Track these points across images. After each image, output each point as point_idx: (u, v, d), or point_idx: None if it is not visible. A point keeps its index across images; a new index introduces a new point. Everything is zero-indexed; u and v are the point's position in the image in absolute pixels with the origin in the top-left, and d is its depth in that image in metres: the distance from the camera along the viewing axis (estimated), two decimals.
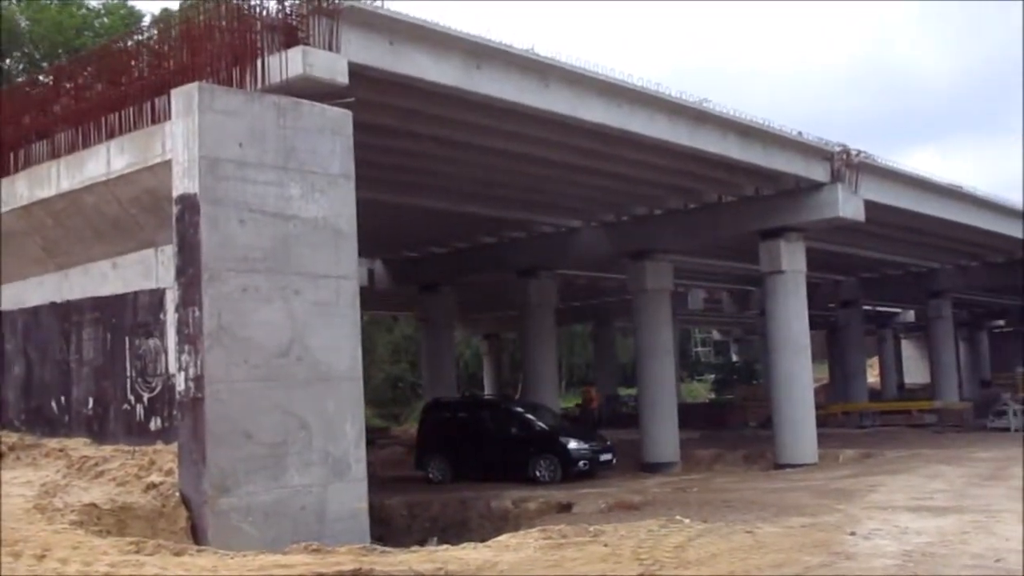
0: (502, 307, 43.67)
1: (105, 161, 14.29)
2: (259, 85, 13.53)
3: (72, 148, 15.32)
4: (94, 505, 11.68)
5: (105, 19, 31.43)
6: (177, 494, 12.17)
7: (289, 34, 13.77)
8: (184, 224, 12.52)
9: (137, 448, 13.49)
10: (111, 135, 14.60)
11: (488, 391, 54.75)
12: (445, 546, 11.83)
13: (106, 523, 11.36)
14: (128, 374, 14.30)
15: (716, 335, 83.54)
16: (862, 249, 35.42)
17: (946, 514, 13.83)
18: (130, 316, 14.39)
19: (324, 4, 13.83)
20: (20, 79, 25.68)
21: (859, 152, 24.98)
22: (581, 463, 23.62)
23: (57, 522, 10.92)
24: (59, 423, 15.56)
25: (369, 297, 32.79)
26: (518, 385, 46.40)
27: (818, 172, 24.45)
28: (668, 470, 26.55)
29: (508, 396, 46.05)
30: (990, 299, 54.03)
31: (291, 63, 13.50)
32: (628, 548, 10.38)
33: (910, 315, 60.04)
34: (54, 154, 15.70)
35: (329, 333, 13.26)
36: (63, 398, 15.59)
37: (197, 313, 12.20)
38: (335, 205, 13.56)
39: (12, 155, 16.61)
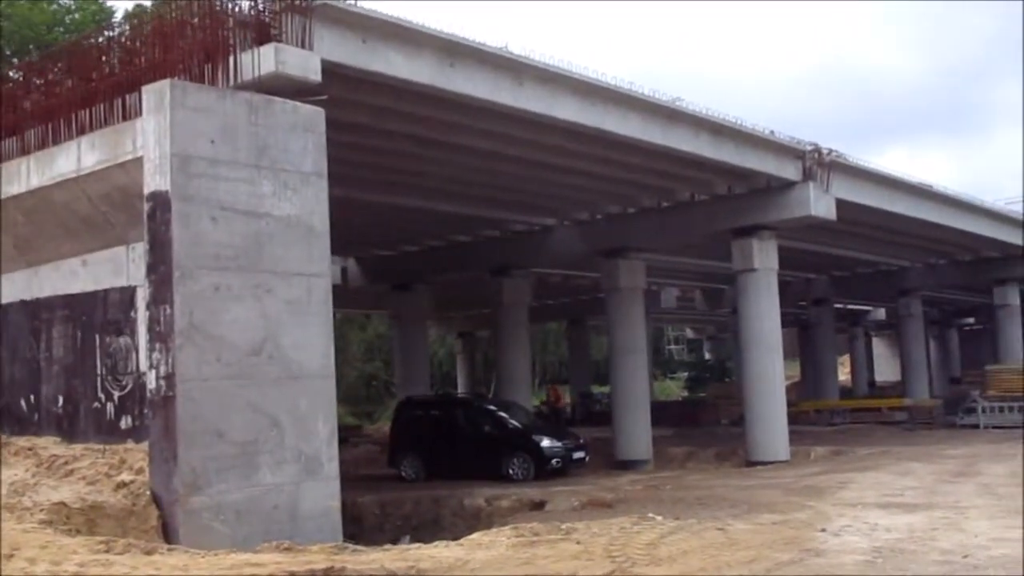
0: (476, 305, 43.76)
1: (75, 158, 14.20)
2: (231, 82, 13.47)
3: (42, 144, 15.20)
4: (63, 504, 11.60)
5: (76, 15, 31.15)
6: (148, 493, 12.10)
7: (262, 31, 13.72)
8: (155, 221, 12.45)
9: (107, 447, 13.41)
10: (82, 132, 14.50)
11: (462, 389, 54.73)
12: (417, 544, 11.83)
13: (76, 522, 11.29)
14: (99, 372, 14.20)
15: (689, 333, 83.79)
16: (834, 247, 35.64)
17: (916, 511, 13.95)
18: (101, 314, 14.30)
19: (297, 1, 13.80)
20: None
21: (830, 151, 25.12)
22: (554, 461, 23.64)
23: (26, 521, 10.85)
24: (28, 421, 15.44)
25: (342, 295, 32.68)
26: (491, 383, 46.41)
27: (790, 171, 24.58)
28: (641, 468, 26.62)
29: (481, 394, 46.06)
30: (960, 297, 54.52)
31: (263, 60, 13.45)
32: (600, 545, 10.42)
33: (881, 313, 60.46)
34: (24, 151, 15.57)
35: (301, 331, 13.22)
36: (33, 396, 15.46)
37: (168, 311, 12.13)
38: (307, 203, 13.51)
39: None
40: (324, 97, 13.99)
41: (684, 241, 30.04)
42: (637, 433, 27.59)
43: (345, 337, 52.81)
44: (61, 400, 14.92)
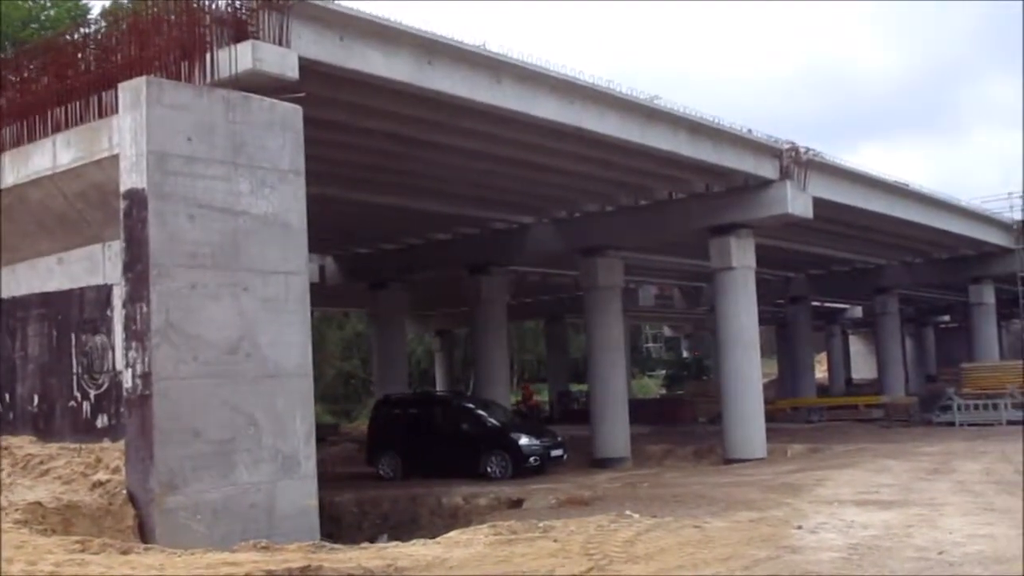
0: (454, 303, 43.67)
1: (51, 155, 14.11)
2: (208, 79, 13.42)
3: (17, 142, 15.08)
4: (39, 504, 11.52)
5: (51, 11, 30.97)
6: (124, 492, 12.04)
7: (238, 28, 13.67)
8: (132, 219, 12.39)
9: (83, 446, 13.33)
10: (57, 129, 14.40)
11: (440, 387, 54.71)
12: (395, 543, 11.81)
13: (51, 522, 11.21)
14: (74, 371, 14.13)
15: (667, 331, 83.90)
16: (811, 246, 35.77)
17: (891, 508, 14.03)
18: (77, 312, 14.22)
19: None
20: None
21: (808, 150, 25.22)
22: (532, 459, 23.68)
23: (1, 521, 10.77)
24: (3, 420, 15.32)
25: (320, 293, 32.66)
26: (470, 381, 46.42)
27: (767, 169, 24.67)
28: (619, 466, 26.68)
29: (460, 392, 46.04)
30: (936, 295, 54.85)
31: (240, 58, 13.41)
32: (577, 543, 10.44)
33: (858, 311, 60.74)
34: None
35: (278, 330, 13.19)
36: (8, 395, 15.35)
37: (145, 309, 12.08)
38: (285, 201, 13.48)
39: None
40: (302, 94, 13.95)
41: (662, 239, 30.10)
42: (615, 431, 27.64)
43: (323, 335, 52.78)
44: (37, 399, 14.82)
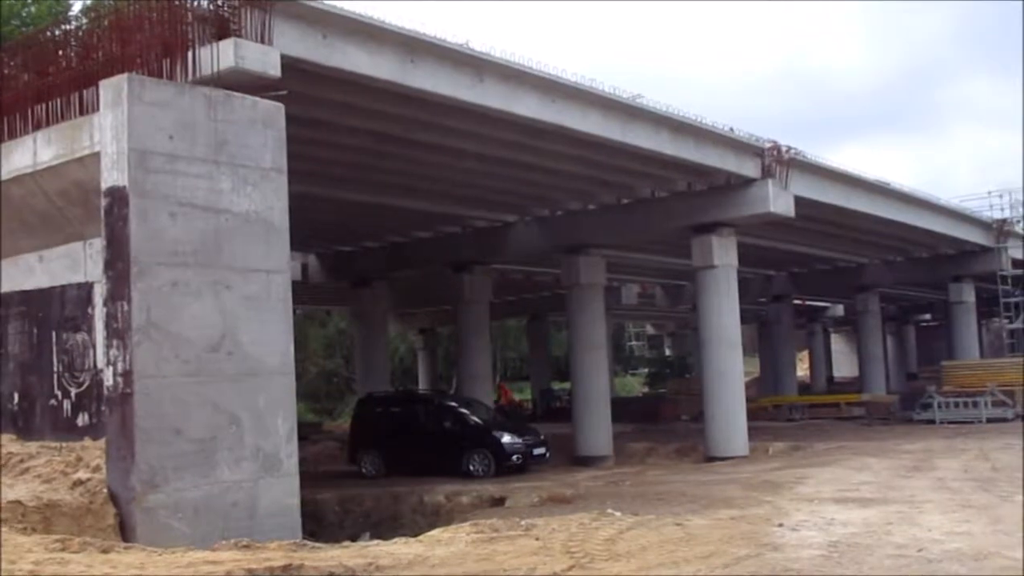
0: (437, 302, 43.70)
1: (32, 153, 14.04)
2: (190, 77, 13.36)
3: None
4: (19, 502, 11.45)
5: (32, 8, 30.76)
6: (105, 491, 12.00)
7: (221, 26, 13.62)
8: (113, 217, 12.34)
9: (64, 444, 13.28)
10: (38, 126, 14.32)
11: (423, 386, 54.69)
12: (377, 541, 11.80)
13: (31, 520, 11.16)
14: (55, 369, 14.07)
15: (650, 329, 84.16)
16: (793, 244, 35.89)
17: (871, 505, 14.11)
18: (57, 310, 14.16)
19: None
20: None
21: (789, 149, 25.30)
22: (514, 457, 23.69)
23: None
24: None
25: (302, 291, 32.65)
26: (453, 380, 46.39)
27: (749, 168, 24.74)
28: (601, 464, 26.73)
29: (442, 391, 46.03)
30: (916, 293, 55.11)
31: (222, 55, 13.36)
32: (559, 541, 10.45)
33: (839, 310, 61.02)
34: None
35: (260, 328, 13.16)
36: None
37: (126, 307, 12.04)
38: (267, 198, 13.45)
39: None
40: (284, 92, 13.93)
41: (644, 237, 30.18)
42: (598, 429, 27.70)
43: (305, 333, 52.63)
44: (17, 397, 14.76)
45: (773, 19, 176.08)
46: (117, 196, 12.28)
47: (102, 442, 12.53)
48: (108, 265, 12.39)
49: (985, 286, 42.31)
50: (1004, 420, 31.24)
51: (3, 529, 10.40)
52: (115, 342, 12.16)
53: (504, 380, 59.28)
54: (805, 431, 32.86)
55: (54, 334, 14.17)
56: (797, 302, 51.82)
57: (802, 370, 61.65)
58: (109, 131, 12.45)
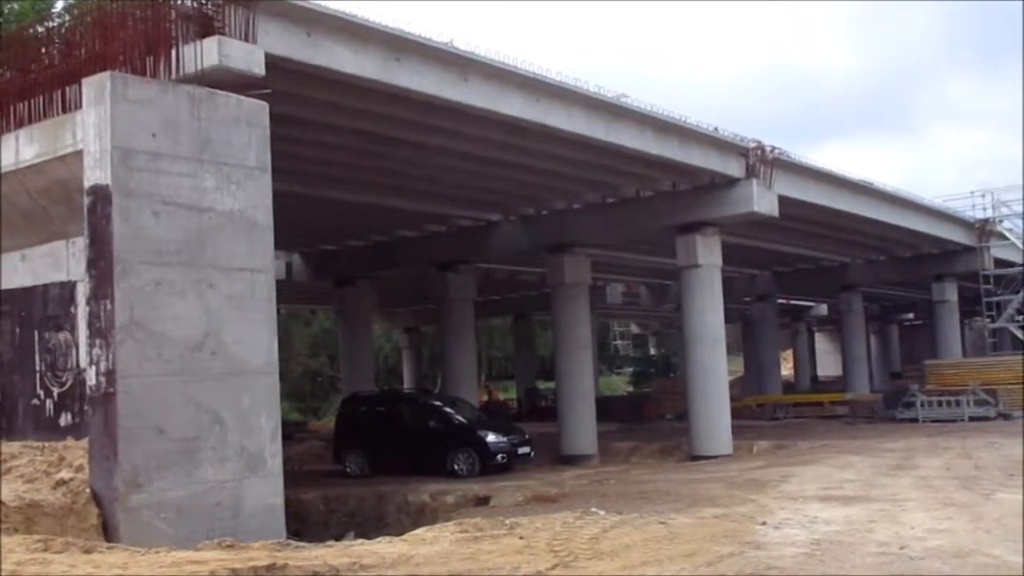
0: (421, 301, 43.62)
1: (14, 151, 13.96)
2: (173, 75, 13.31)
3: None
4: (0, 502, 11.41)
5: (15, 4, 30.61)
6: (87, 491, 11.94)
7: (205, 24, 13.58)
8: (96, 216, 12.29)
9: (46, 444, 13.21)
10: (20, 124, 14.25)
11: (407, 385, 54.64)
12: (361, 540, 11.79)
13: (13, 520, 11.10)
14: (38, 368, 14.00)
15: (635, 328, 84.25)
16: (777, 244, 36.00)
17: (854, 503, 14.15)
18: (40, 309, 14.09)
19: None
20: None
21: (773, 148, 25.37)
22: (499, 456, 23.68)
23: None
24: None
25: (287, 290, 32.55)
26: (438, 379, 46.37)
27: (733, 168, 24.80)
28: (586, 462, 26.76)
29: (427, 390, 46.01)
30: (900, 293, 55.34)
31: (206, 53, 13.32)
32: (543, 540, 10.46)
33: (823, 309, 61.21)
34: None
35: (244, 327, 13.12)
36: None
37: (109, 306, 11.99)
38: (251, 197, 13.41)
39: None
40: (268, 91, 13.89)
41: (629, 237, 30.23)
42: (582, 428, 27.73)
43: (290, 333, 52.55)
44: None
45: (758, 19, 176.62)
46: (100, 194, 12.23)
47: (85, 442, 12.47)
48: (91, 264, 12.34)
49: (968, 285, 42.49)
50: (986, 419, 31.39)
51: None
52: (98, 341, 12.11)
53: (489, 379, 59.33)
54: (789, 430, 32.95)
55: (36, 333, 14.09)
56: (781, 301, 51.97)
57: (786, 369, 61.87)
58: (92, 129, 12.40)
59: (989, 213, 40.05)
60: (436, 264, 31.19)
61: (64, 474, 12.31)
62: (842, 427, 33.73)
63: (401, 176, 23.61)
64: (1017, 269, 40.46)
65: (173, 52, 13.38)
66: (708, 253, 26.13)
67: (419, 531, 11.74)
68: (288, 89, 15.30)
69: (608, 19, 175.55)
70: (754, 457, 24.95)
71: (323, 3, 15.08)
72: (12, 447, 13.51)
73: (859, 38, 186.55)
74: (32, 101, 14.27)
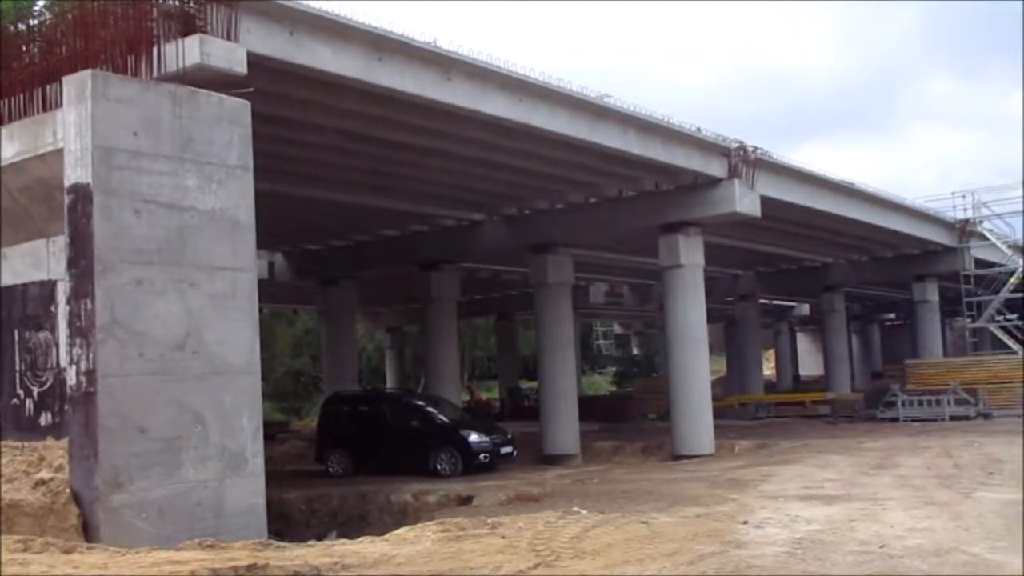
0: (404, 300, 43.61)
1: None
2: (155, 74, 13.27)
3: None
4: None
5: None
6: (67, 491, 11.89)
7: (186, 22, 13.54)
8: (76, 214, 12.24)
9: (26, 443, 13.12)
10: (0, 122, 14.18)
11: (390, 385, 54.59)
12: (343, 540, 11.79)
13: None
14: (17, 368, 13.91)
15: (617, 328, 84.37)
16: (759, 244, 36.11)
17: (835, 502, 14.23)
18: (20, 308, 13.99)
19: None
20: None
21: (756, 149, 25.45)
22: (482, 456, 23.68)
23: None
24: None
25: (269, 290, 32.49)
26: (421, 379, 46.33)
27: (716, 168, 24.86)
28: (568, 462, 26.79)
29: (410, 390, 45.98)
30: (881, 293, 55.58)
31: (188, 52, 13.28)
32: (525, 539, 10.48)
33: (805, 309, 61.42)
34: None
35: (226, 326, 13.09)
36: None
37: (89, 305, 11.94)
38: (233, 196, 13.38)
39: None
40: (250, 89, 13.86)
41: (612, 237, 30.26)
42: (565, 428, 27.76)
43: (273, 332, 52.47)
44: None
45: (741, 20, 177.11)
46: (81, 193, 12.18)
47: (65, 442, 12.41)
48: (71, 263, 12.29)
49: (949, 285, 42.73)
50: (967, 418, 31.58)
51: None
52: (78, 340, 12.06)
53: (472, 379, 59.32)
54: (771, 429, 33.07)
55: (16, 332, 14.00)
56: (763, 301, 52.14)
57: (768, 368, 62.05)
58: (73, 128, 12.34)
59: (970, 214, 40.31)
60: (419, 264, 31.14)
61: (44, 474, 12.25)
62: (823, 426, 33.89)
63: (384, 176, 23.58)
64: (997, 269, 40.73)
65: (155, 50, 13.34)
66: (690, 253, 26.20)
67: (401, 531, 11.75)
68: (270, 88, 15.27)
69: (592, 19, 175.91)
70: (736, 456, 25.02)
71: (305, 2, 15.06)
72: None
73: (841, 39, 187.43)
74: (12, 99, 14.19)
